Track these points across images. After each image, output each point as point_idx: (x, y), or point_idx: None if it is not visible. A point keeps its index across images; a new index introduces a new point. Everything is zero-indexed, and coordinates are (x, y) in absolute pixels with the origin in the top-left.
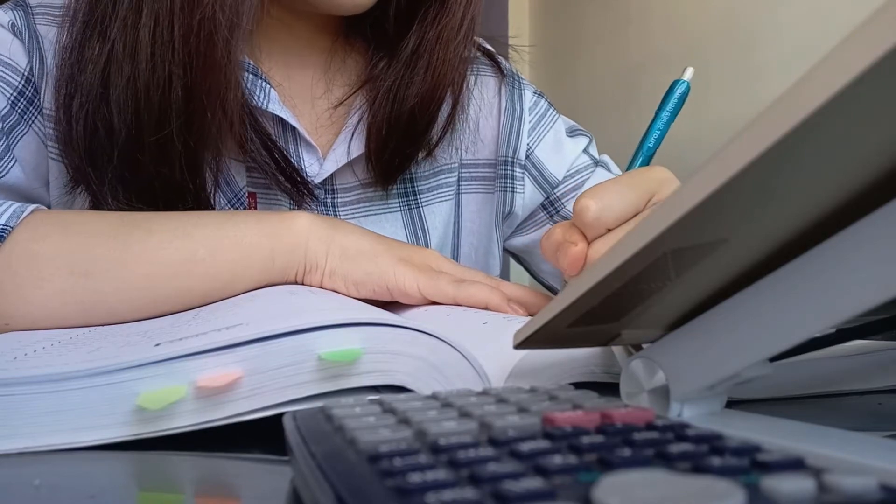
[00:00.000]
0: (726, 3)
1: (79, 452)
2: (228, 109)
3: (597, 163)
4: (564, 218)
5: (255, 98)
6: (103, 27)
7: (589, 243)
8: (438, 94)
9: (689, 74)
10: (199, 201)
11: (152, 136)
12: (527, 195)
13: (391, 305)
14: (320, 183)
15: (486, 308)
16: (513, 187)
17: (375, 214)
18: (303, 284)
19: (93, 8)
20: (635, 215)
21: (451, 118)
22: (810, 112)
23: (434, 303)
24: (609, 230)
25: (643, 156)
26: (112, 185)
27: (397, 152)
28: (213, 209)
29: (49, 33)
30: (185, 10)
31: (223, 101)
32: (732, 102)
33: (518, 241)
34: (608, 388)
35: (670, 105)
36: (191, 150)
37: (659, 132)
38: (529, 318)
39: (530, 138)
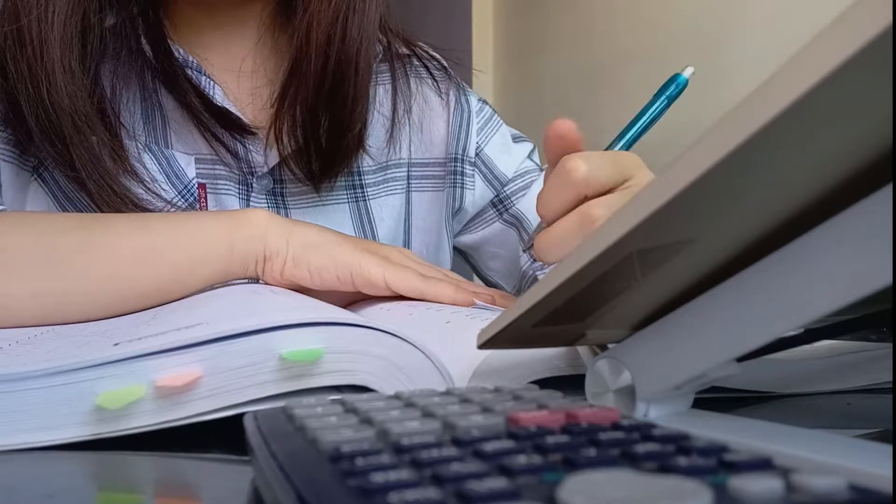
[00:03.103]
0: (692, 5)
1: (37, 452)
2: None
3: (541, 169)
4: (513, 216)
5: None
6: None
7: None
8: (333, 42)
9: (689, 72)
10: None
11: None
12: (477, 192)
13: (352, 306)
14: (268, 172)
15: (453, 304)
16: (462, 183)
17: (323, 205)
18: (264, 274)
19: None
20: (613, 189)
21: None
22: (775, 114)
23: (397, 297)
24: (587, 197)
25: (625, 141)
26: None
27: (331, 137)
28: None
29: None
30: None
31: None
32: (698, 104)
33: (467, 239)
34: (573, 384)
35: (662, 98)
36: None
37: (647, 121)
38: (492, 313)
39: (479, 137)
